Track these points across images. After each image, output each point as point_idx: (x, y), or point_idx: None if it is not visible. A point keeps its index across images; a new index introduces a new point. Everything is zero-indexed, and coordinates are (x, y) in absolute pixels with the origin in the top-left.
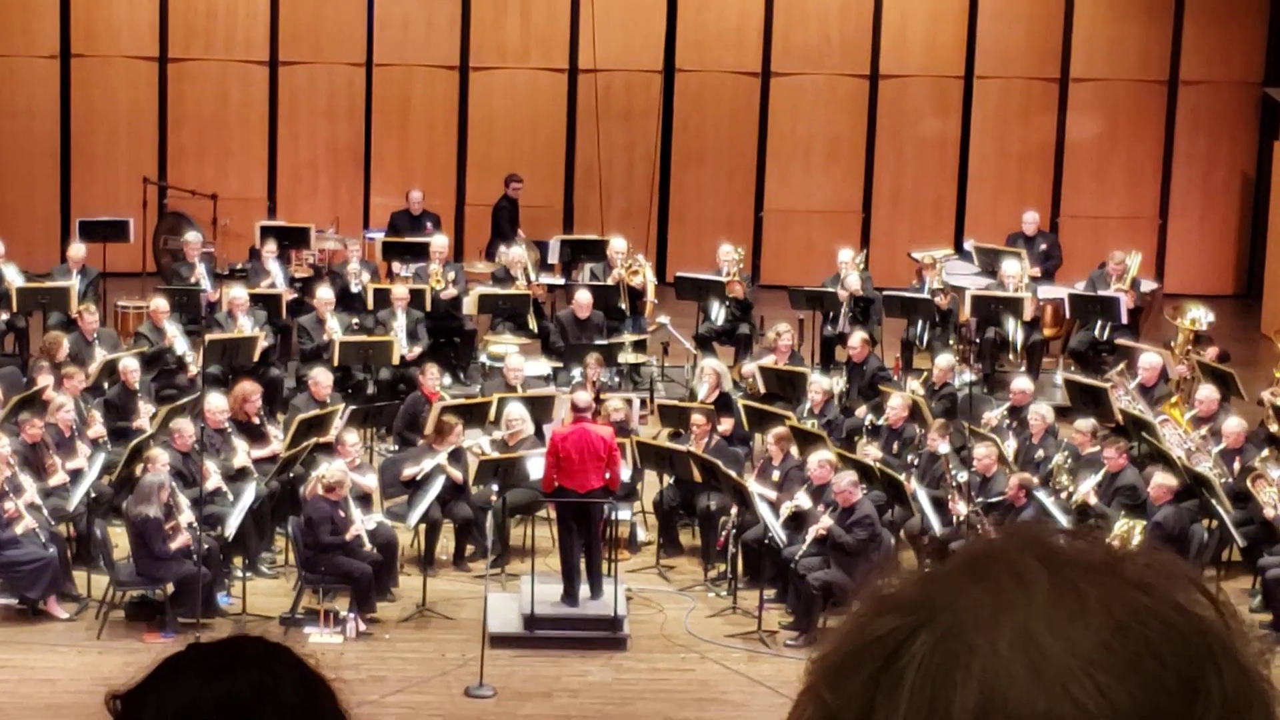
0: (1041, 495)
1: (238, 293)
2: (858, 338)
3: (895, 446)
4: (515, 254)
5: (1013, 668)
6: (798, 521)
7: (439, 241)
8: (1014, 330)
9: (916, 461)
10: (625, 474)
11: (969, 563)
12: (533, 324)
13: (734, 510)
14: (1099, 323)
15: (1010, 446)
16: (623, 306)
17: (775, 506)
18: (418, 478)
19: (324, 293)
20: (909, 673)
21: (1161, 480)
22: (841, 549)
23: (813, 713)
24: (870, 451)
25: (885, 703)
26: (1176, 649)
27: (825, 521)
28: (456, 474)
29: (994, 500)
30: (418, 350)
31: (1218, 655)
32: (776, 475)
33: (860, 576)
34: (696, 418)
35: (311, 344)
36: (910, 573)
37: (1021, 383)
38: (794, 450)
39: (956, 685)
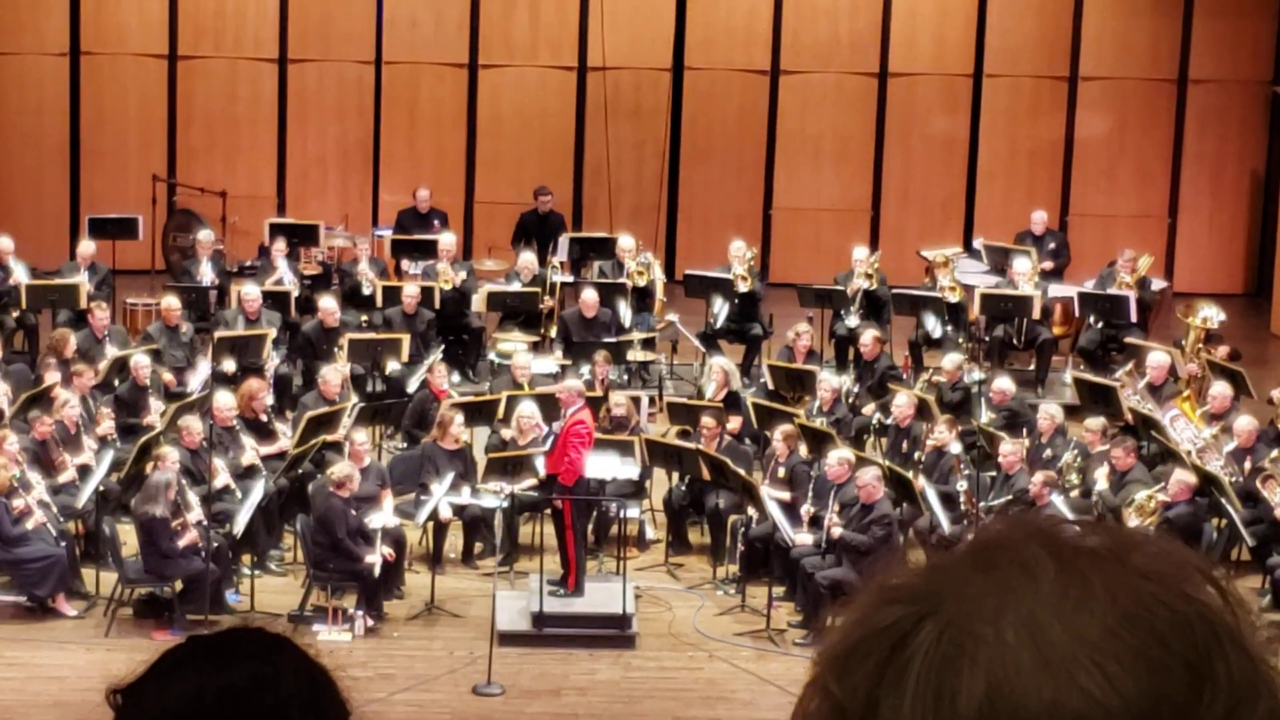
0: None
1: (250, 290)
2: (869, 335)
3: (904, 445)
4: (527, 260)
5: (1019, 656)
6: (815, 523)
7: (447, 240)
8: (1023, 329)
9: (922, 459)
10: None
11: (975, 552)
12: (546, 331)
13: (750, 511)
14: (1098, 323)
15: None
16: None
17: (789, 507)
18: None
19: (327, 303)
20: (915, 662)
21: (1181, 477)
22: (854, 549)
23: (819, 704)
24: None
25: (891, 693)
26: (1184, 637)
27: (835, 520)
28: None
29: (1013, 497)
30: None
31: (1225, 643)
32: (782, 472)
33: (867, 573)
34: (706, 420)
35: (315, 355)
36: (916, 563)
37: (1002, 383)
38: (802, 449)
39: (963, 674)
